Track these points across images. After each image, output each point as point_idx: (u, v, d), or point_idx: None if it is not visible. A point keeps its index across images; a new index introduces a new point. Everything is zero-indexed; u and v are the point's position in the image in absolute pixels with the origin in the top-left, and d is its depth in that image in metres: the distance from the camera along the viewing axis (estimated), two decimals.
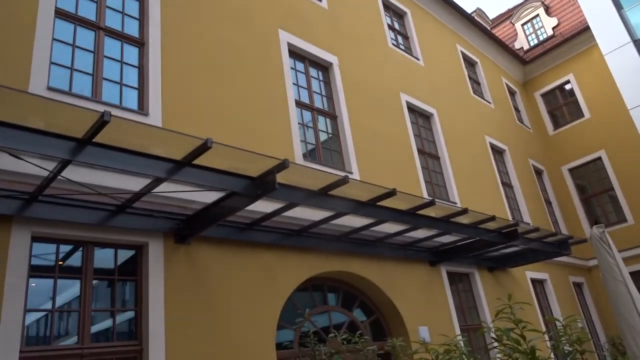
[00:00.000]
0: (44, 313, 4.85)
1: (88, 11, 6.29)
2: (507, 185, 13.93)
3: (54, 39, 5.73)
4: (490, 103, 15.29)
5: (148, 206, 5.40)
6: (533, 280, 12.60)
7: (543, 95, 18.53)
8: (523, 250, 10.33)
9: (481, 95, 15.15)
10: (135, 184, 5.21)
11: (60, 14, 5.93)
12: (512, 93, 17.66)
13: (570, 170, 17.09)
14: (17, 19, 5.38)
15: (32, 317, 4.81)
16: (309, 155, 8.38)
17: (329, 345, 4.00)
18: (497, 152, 14.38)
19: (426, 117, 11.92)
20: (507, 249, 10.25)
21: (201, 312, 5.58)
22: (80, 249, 5.17)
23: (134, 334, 5.22)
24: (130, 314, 5.35)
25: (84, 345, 4.79)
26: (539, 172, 16.46)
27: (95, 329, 5.08)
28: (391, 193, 6.16)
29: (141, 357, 5.08)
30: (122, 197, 5.10)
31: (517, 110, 17.36)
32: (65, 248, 5.13)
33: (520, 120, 17.12)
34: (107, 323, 5.22)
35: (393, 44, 12.03)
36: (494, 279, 10.93)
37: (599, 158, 16.31)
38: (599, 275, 14.45)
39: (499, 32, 21.41)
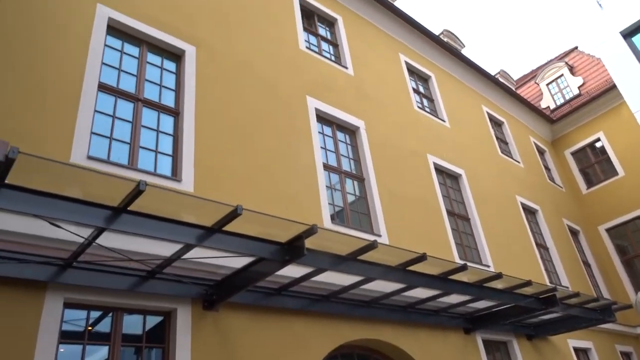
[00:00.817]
0: None
1: (128, 84, 6.69)
2: (541, 246, 13.46)
3: (95, 111, 6.07)
4: (519, 162, 15.15)
5: (177, 272, 5.43)
6: (576, 349, 11.83)
7: (573, 154, 18.28)
8: (563, 316, 9.80)
9: (509, 155, 15.06)
10: (165, 249, 5.27)
11: (103, 87, 6.32)
12: (541, 152, 17.50)
13: (608, 230, 16.46)
14: (63, 91, 5.75)
15: None
16: (337, 217, 8.37)
17: None
18: (530, 212, 14.05)
19: (454, 177, 11.86)
20: (546, 315, 9.75)
21: None
22: (110, 314, 5.18)
23: None
24: None
25: None
26: (574, 233, 15.89)
27: None
28: (421, 258, 6.04)
29: None
30: (153, 262, 5.15)
31: (547, 169, 17.12)
32: (95, 314, 5.15)
33: (552, 179, 16.83)
34: None
35: (418, 107, 12.24)
36: (534, 347, 10.32)
37: (639, 217, 15.69)
38: None
39: (524, 92, 21.61)
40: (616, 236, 16.31)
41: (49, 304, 4.63)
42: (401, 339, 7.68)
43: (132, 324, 5.37)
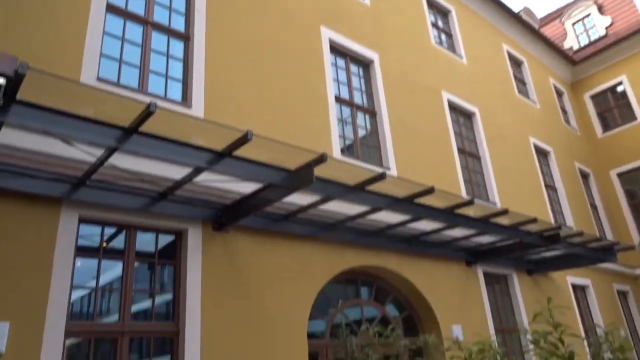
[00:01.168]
0: (88, 291, 5.08)
1: (137, 6, 6.51)
2: (550, 187, 13.48)
3: (104, 33, 5.97)
4: (535, 103, 14.82)
5: (188, 194, 5.57)
6: (574, 286, 12.17)
7: (593, 97, 17.78)
8: (565, 254, 9.99)
9: (526, 95, 14.70)
10: (176, 172, 5.36)
11: (111, 8, 6.16)
12: (559, 94, 17.05)
13: (620, 174, 16.36)
14: (71, 13, 5.63)
15: (76, 295, 5.05)
16: (347, 151, 8.39)
17: (360, 338, 4.01)
18: (542, 153, 13.93)
19: (468, 115, 11.68)
20: (548, 253, 9.95)
21: (236, 299, 5.71)
22: (124, 232, 5.38)
23: (171, 316, 5.41)
24: (168, 297, 5.53)
25: (125, 323, 5.00)
26: (585, 176, 15.84)
27: (135, 308, 5.29)
28: (429, 190, 6.09)
29: (178, 337, 5.25)
30: (164, 184, 5.27)
31: (564, 111, 16.75)
32: (109, 231, 5.36)
33: (567, 121, 16.52)
34: (146, 304, 5.42)
35: (436, 42, 11.84)
36: (533, 282, 10.63)
37: None
38: None
39: (547, 31, 20.70)
40: (627, 181, 16.23)
41: (64, 219, 4.81)
42: (405, 267, 7.93)
43: (145, 242, 5.58)
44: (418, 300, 8.19)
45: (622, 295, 14.42)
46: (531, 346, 2.84)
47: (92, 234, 5.24)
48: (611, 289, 13.68)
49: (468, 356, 3.00)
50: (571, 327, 2.66)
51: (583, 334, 10.54)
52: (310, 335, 6.53)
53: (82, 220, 5.05)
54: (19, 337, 4.22)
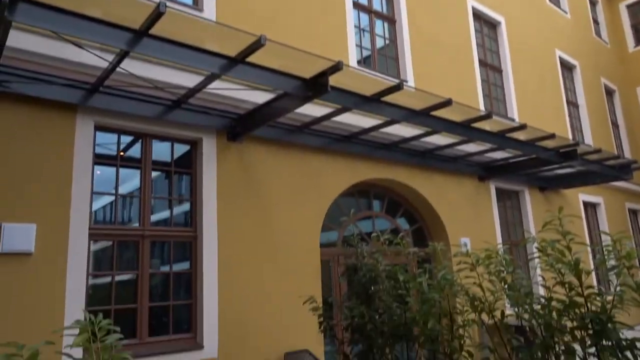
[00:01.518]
0: (109, 199, 5.25)
1: None
2: (572, 104, 13.09)
3: None
4: (566, 13, 13.94)
5: (202, 103, 5.53)
6: (585, 203, 12.25)
7: (629, 6, 16.63)
8: (580, 172, 9.94)
9: (557, 4, 13.78)
10: (190, 80, 5.30)
11: None
12: (593, 3, 15.94)
13: None
14: None
15: (98, 202, 5.25)
16: (364, 62, 8.12)
17: (371, 246, 4.15)
18: (567, 68, 13.36)
19: (492, 25, 11.08)
20: (562, 170, 9.90)
21: (250, 207, 5.88)
22: (140, 140, 5.44)
23: (189, 222, 5.62)
24: (186, 207, 5.71)
25: (145, 227, 5.22)
26: (610, 93, 15.28)
27: (155, 218, 5.49)
28: (446, 103, 5.95)
29: (196, 242, 5.50)
30: (178, 92, 5.22)
31: (595, 22, 15.77)
32: (125, 139, 5.41)
33: (598, 33, 15.61)
34: (165, 211, 5.61)
35: None
36: (545, 198, 10.70)
37: None
38: None
39: None
40: None
41: (80, 125, 4.84)
42: (417, 181, 8.01)
43: (161, 152, 5.66)
44: (429, 213, 8.35)
45: (633, 213, 14.52)
46: (537, 254, 2.91)
47: (109, 142, 5.30)
48: (623, 207, 13.76)
49: (475, 262, 3.10)
50: (579, 237, 2.70)
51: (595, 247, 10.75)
52: (323, 245, 6.79)
53: (98, 128, 5.09)
54: (46, 239, 4.45)
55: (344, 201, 7.36)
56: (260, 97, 5.69)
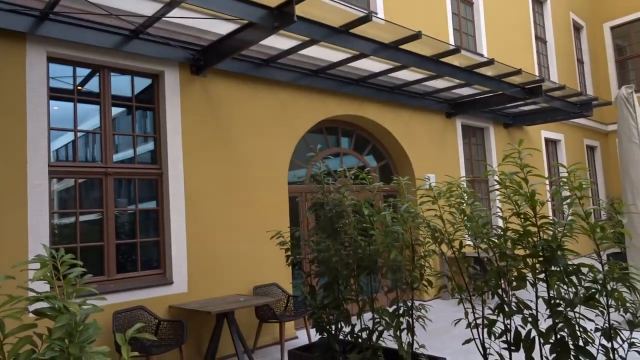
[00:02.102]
0: (70, 137, 5.05)
1: None
2: (540, 40, 13.11)
3: None
4: None
5: (163, 34, 5.26)
6: (547, 140, 12.63)
7: None
8: (543, 108, 10.15)
9: None
10: (149, 8, 4.99)
11: None
12: None
13: (613, 28, 15.87)
14: None
15: (60, 142, 5.06)
16: None
17: (338, 182, 4.18)
18: (537, 1, 13.23)
19: None
20: (527, 107, 10.08)
21: (217, 142, 5.79)
22: (97, 73, 5.18)
23: (155, 159, 5.51)
24: (151, 144, 5.57)
25: (108, 165, 5.10)
26: (578, 28, 15.33)
27: (119, 157, 5.35)
28: (415, 36, 5.84)
29: (162, 179, 5.43)
30: (136, 21, 4.92)
31: None
32: (82, 72, 5.14)
33: None
34: (129, 148, 5.46)
35: None
36: (508, 134, 10.96)
37: None
38: (615, 141, 14.39)
39: None
40: (618, 35, 15.83)
41: (31, 56, 4.55)
42: (385, 117, 8.02)
43: (122, 86, 5.41)
44: (396, 150, 8.45)
45: (591, 149, 15.10)
46: (497, 186, 3.00)
47: (63, 75, 5.02)
48: (582, 143, 14.26)
49: (437, 195, 3.19)
50: (537, 169, 2.79)
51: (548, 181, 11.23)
52: (292, 183, 6.84)
53: (51, 59, 4.80)
54: (3, 176, 4.29)
55: (312, 137, 7.34)
56: (224, 27, 5.45)
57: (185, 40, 5.47)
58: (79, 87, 5.18)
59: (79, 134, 5.05)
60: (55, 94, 4.92)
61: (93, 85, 5.22)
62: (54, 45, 4.68)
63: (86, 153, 5.30)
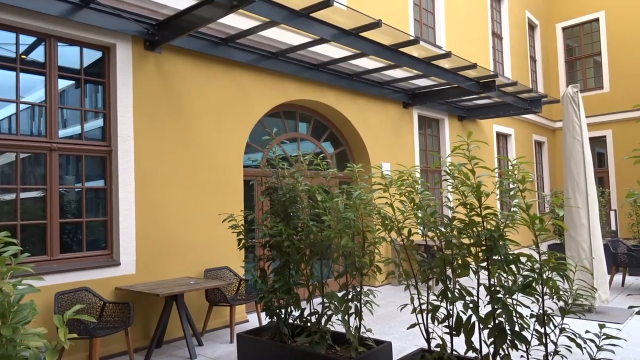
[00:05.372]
0: (11, 111, 4.76)
1: None
2: (497, 36, 13.49)
3: None
4: None
5: (115, 4, 5.03)
6: (498, 134, 13.08)
7: None
8: (495, 103, 10.49)
9: None
10: None
11: None
12: None
13: (564, 28, 16.55)
14: None
15: (1, 114, 4.75)
16: None
17: (293, 167, 4.18)
18: None
19: None
20: (481, 101, 10.39)
21: (171, 122, 5.63)
22: (43, 42, 4.90)
23: (104, 136, 5.30)
24: (100, 122, 5.34)
25: (53, 140, 4.86)
26: (532, 27, 15.88)
27: (67, 132, 5.10)
28: (376, 24, 5.87)
29: (111, 157, 5.24)
30: None
31: None
32: (26, 40, 4.84)
33: None
34: (77, 128, 5.21)
35: None
36: (462, 127, 11.27)
37: (597, 19, 15.69)
38: (561, 137, 15.09)
39: None
40: (569, 36, 16.52)
41: None
42: (343, 104, 8.04)
43: (70, 57, 5.15)
44: (353, 137, 8.51)
45: (539, 145, 15.78)
46: (447, 177, 3.08)
47: (5, 42, 4.72)
48: (530, 138, 14.87)
49: (389, 183, 3.25)
50: (485, 162, 2.89)
51: (496, 172, 11.67)
52: (247, 167, 6.77)
53: None
54: None
55: (270, 121, 7.28)
56: (181, 2, 5.27)
57: (139, 13, 5.25)
58: (23, 56, 4.89)
59: (21, 106, 4.78)
60: None
61: (38, 54, 4.93)
62: None
63: (31, 126, 5.02)
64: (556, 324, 2.74)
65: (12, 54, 4.78)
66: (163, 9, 5.33)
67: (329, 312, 3.75)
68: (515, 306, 2.78)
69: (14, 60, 4.76)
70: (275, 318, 4.09)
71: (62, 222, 4.92)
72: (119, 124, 5.18)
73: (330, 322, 3.77)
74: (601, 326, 2.71)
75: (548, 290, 2.73)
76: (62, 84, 5.09)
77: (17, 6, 4.41)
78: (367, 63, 7.75)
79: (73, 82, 5.23)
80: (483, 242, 2.85)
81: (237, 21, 5.90)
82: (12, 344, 1.74)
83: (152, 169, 5.42)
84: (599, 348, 2.68)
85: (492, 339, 2.83)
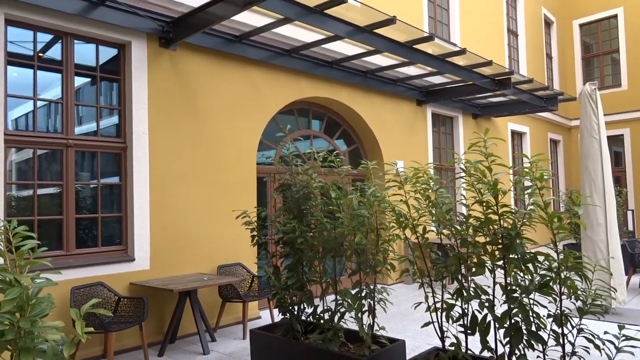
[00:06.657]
0: (29, 108, 4.82)
1: None
2: (512, 33, 13.32)
3: None
4: None
5: (131, 2, 5.06)
6: (513, 132, 12.93)
7: None
8: (510, 101, 10.36)
9: None
10: None
11: None
12: None
13: (582, 25, 16.28)
14: None
15: (20, 111, 4.82)
16: None
17: (307, 164, 4.17)
18: None
19: None
20: (495, 98, 10.27)
21: (185, 119, 5.66)
22: (60, 40, 4.95)
23: (119, 133, 5.35)
24: (115, 119, 5.39)
25: (69, 136, 4.91)
26: (548, 24, 15.65)
27: (82, 129, 5.16)
28: (390, 20, 5.83)
29: (126, 153, 5.28)
30: None
31: None
32: (43, 37, 4.90)
33: None
34: (93, 125, 5.26)
35: None
36: (477, 125, 11.16)
37: (615, 16, 15.41)
38: (577, 136, 14.87)
39: None
40: (587, 32, 16.25)
41: None
42: (356, 101, 8.01)
43: (86, 55, 5.20)
44: (366, 135, 8.48)
45: (554, 143, 15.56)
46: (462, 174, 3.05)
47: (23, 40, 4.78)
48: (545, 136, 14.67)
49: (403, 180, 3.22)
50: (502, 159, 2.85)
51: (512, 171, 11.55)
52: (261, 164, 6.78)
53: (10, 22, 4.54)
54: None
55: (283, 119, 7.28)
56: (196, 0, 5.29)
57: (154, 11, 5.29)
58: (40, 54, 4.95)
59: (39, 103, 4.84)
60: (14, 59, 4.68)
61: (55, 52, 4.99)
62: (13, 7, 4.44)
63: (47, 123, 5.08)
64: (574, 325, 2.70)
65: (29, 52, 4.84)
66: (178, 7, 5.35)
67: (342, 310, 3.74)
68: (532, 306, 2.74)
69: (31, 58, 4.82)
70: (288, 315, 4.09)
71: (77, 217, 4.98)
72: (134, 120, 5.22)
73: (343, 320, 3.76)
74: (621, 327, 2.66)
75: (566, 290, 2.68)
76: (79, 81, 5.15)
77: (35, 4, 4.46)
78: (381, 60, 7.71)
79: (89, 79, 5.28)
80: (500, 241, 2.81)
81: (250, 18, 5.90)
82: (30, 337, 1.75)
83: (166, 166, 5.45)
84: (618, 349, 2.62)
85: (507, 339, 2.79)
